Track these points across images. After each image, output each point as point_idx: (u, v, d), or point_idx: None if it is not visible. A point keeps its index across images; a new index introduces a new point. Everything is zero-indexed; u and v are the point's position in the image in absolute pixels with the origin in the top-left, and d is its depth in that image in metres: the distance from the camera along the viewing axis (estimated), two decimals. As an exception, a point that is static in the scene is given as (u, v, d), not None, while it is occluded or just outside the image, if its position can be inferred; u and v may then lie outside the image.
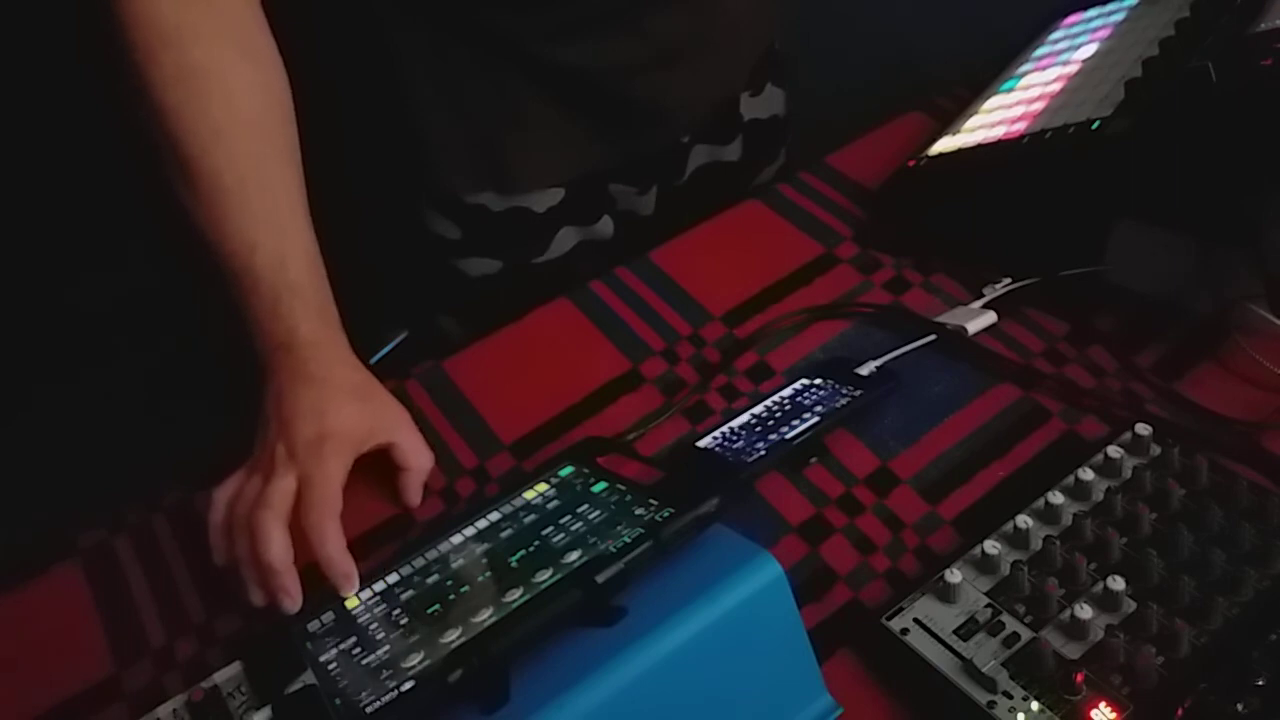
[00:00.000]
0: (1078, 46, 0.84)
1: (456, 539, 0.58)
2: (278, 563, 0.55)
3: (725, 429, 0.66)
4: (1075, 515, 0.56)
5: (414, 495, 0.66)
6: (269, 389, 0.62)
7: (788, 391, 0.68)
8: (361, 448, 0.62)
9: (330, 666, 0.50)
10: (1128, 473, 0.58)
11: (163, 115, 0.62)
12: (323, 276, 0.65)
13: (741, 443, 0.64)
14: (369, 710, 0.45)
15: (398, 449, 0.64)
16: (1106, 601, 0.51)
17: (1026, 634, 0.51)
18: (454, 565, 0.56)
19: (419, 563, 0.57)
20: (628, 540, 0.49)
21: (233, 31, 0.65)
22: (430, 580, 0.55)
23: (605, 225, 0.93)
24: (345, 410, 0.61)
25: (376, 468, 0.65)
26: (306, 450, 0.59)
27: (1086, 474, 0.58)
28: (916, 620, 0.53)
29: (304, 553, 0.57)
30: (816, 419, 0.64)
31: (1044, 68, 0.84)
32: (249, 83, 0.65)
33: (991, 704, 0.49)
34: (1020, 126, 0.75)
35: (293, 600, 0.56)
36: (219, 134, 0.62)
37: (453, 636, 0.48)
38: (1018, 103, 0.80)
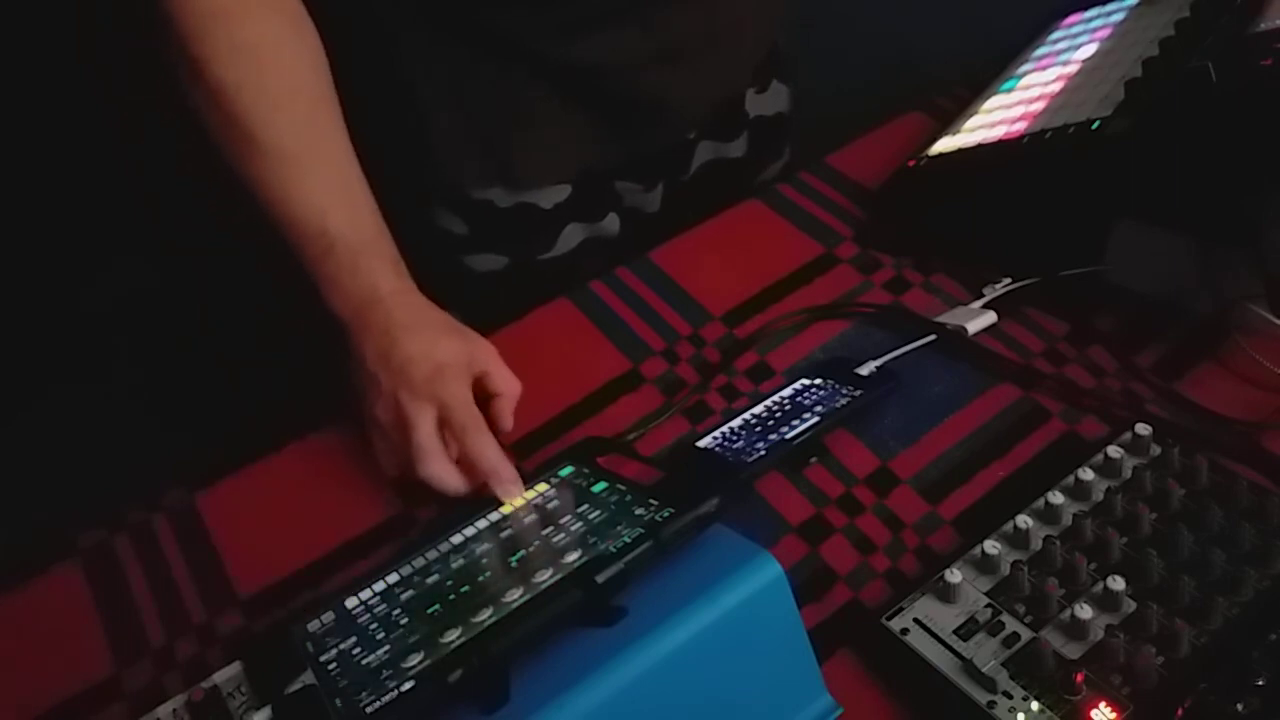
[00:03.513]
0: (1078, 46, 0.84)
1: (456, 539, 0.58)
2: (469, 489, 0.62)
3: (725, 429, 0.66)
4: (1075, 515, 0.56)
5: (507, 420, 0.67)
6: (367, 347, 0.64)
7: (788, 391, 0.68)
8: (470, 375, 0.65)
9: (330, 666, 0.50)
10: (1128, 473, 0.58)
11: (221, 92, 0.63)
12: (388, 233, 0.68)
13: (741, 443, 0.64)
14: (369, 710, 0.45)
15: (490, 376, 0.66)
16: (1106, 601, 0.51)
17: (1026, 634, 0.51)
18: (454, 565, 0.56)
19: (419, 563, 0.57)
20: (628, 540, 0.49)
21: (277, 2, 0.66)
22: (430, 580, 0.55)
23: (611, 222, 0.93)
24: (446, 343, 0.64)
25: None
26: (428, 384, 0.62)
27: (1086, 474, 0.58)
28: (916, 620, 0.53)
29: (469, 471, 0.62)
30: (816, 419, 0.64)
31: (1044, 68, 0.84)
32: (298, 52, 0.66)
33: (991, 704, 0.49)
34: (1020, 126, 0.75)
35: (516, 489, 0.61)
36: (278, 106, 0.64)
37: (453, 636, 0.48)
38: (1018, 103, 0.80)
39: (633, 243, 0.86)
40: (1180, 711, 0.46)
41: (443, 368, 0.63)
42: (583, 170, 0.88)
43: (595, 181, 0.90)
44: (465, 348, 0.65)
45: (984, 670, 0.49)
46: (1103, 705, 0.47)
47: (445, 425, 0.62)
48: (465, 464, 0.62)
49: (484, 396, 0.67)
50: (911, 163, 0.80)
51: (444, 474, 0.62)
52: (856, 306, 0.75)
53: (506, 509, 0.60)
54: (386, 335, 0.63)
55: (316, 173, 0.65)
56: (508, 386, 0.67)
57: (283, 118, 0.64)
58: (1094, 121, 0.68)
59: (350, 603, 0.55)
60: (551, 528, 0.55)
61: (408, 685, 0.45)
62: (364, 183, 0.67)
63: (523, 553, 0.54)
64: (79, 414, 1.63)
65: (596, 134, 0.86)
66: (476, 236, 0.88)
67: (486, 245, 0.89)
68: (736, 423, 0.67)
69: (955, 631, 0.52)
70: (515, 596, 0.49)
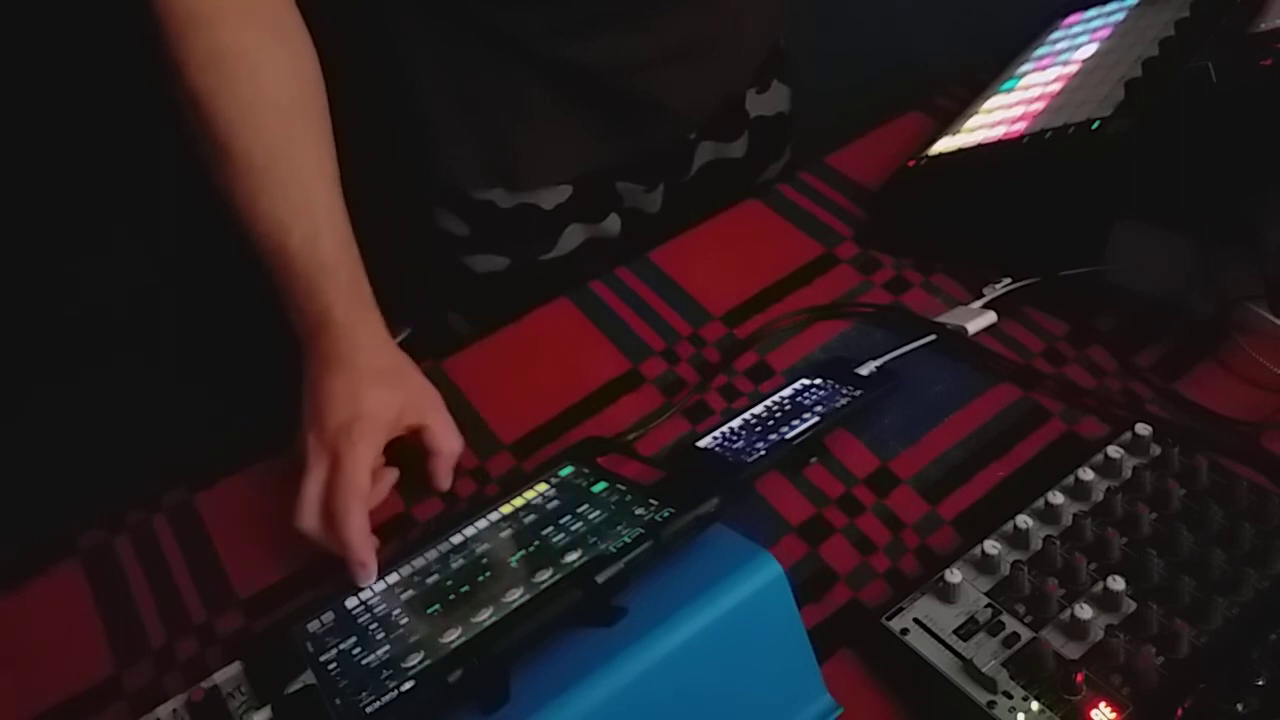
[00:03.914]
0: (1078, 46, 0.84)
1: (456, 539, 0.58)
2: (334, 549, 0.58)
3: (725, 429, 0.66)
4: (1075, 515, 0.56)
5: (444, 479, 0.66)
6: (305, 375, 0.63)
7: (788, 391, 0.68)
8: (392, 431, 0.62)
9: (330, 666, 0.50)
10: (1128, 473, 0.58)
11: (194, 98, 0.62)
12: (355, 256, 0.65)
13: (741, 443, 0.64)
14: (369, 710, 0.45)
15: (428, 432, 0.64)
16: (1106, 601, 0.51)
17: (1026, 634, 0.51)
18: (454, 565, 0.56)
19: (419, 563, 0.57)
20: (628, 540, 0.49)
21: (262, 12, 0.65)
22: (430, 580, 0.55)
23: (612, 223, 0.93)
24: (375, 394, 0.61)
25: (409, 452, 0.65)
26: (336, 435, 0.59)
27: (1086, 474, 0.58)
28: (916, 620, 0.53)
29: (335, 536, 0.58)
30: (816, 419, 0.64)
31: (1044, 68, 0.84)
32: (279, 63, 0.65)
33: (991, 704, 0.49)
34: (1020, 126, 0.75)
35: (366, 574, 0.57)
36: (248, 115, 0.63)
37: (453, 636, 0.48)
38: (1018, 103, 0.80)
39: (634, 243, 0.86)
40: (1180, 711, 0.46)
41: (357, 420, 0.59)
42: (583, 171, 0.88)
43: (596, 182, 0.90)
44: (394, 400, 0.62)
45: (984, 670, 0.49)
46: (1103, 705, 0.47)
47: (327, 482, 0.59)
48: (329, 525, 0.59)
49: (422, 451, 0.65)
50: (911, 163, 0.80)
51: (311, 533, 0.59)
52: (856, 306, 0.75)
53: (506, 509, 0.60)
54: (322, 365, 0.62)
55: (281, 188, 0.63)
56: (445, 445, 0.65)
57: (251, 129, 0.63)
58: (1094, 121, 0.68)
59: (350, 603, 0.55)
60: (551, 528, 0.55)
61: (408, 685, 0.45)
62: (332, 201, 0.65)
63: (523, 553, 0.54)
64: (78, 413, 1.63)
65: (597, 134, 0.86)
66: (477, 237, 0.88)
67: (487, 246, 0.89)
68: (736, 423, 0.67)
69: (955, 631, 0.52)
70: (515, 596, 0.49)
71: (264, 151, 0.63)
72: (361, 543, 0.57)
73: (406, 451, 0.65)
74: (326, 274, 0.63)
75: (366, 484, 0.59)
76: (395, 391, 0.63)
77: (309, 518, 0.59)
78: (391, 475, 0.66)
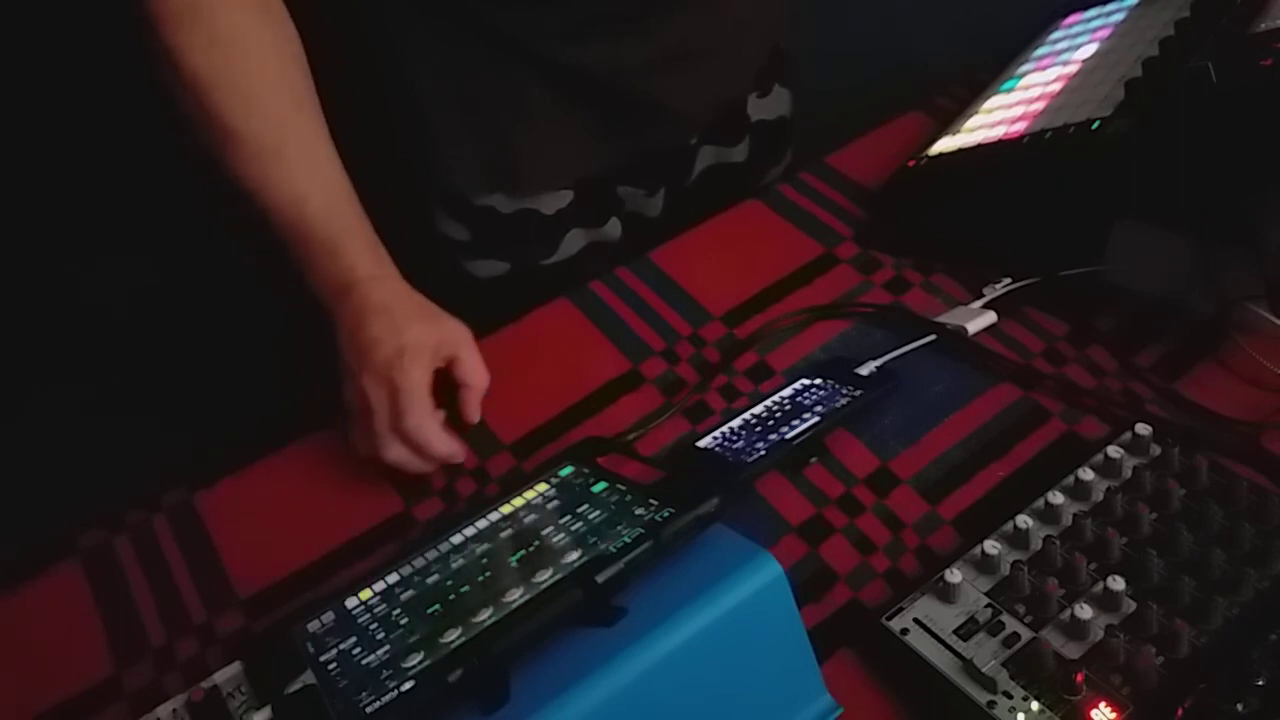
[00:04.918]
0: (1078, 46, 0.84)
1: (456, 539, 0.58)
2: (431, 468, 0.66)
3: (725, 429, 0.67)
4: (1075, 515, 0.56)
5: (474, 412, 0.68)
6: (341, 332, 0.65)
7: (788, 391, 0.68)
8: (436, 359, 0.65)
9: (330, 666, 0.50)
10: (1128, 473, 0.58)
11: (197, 85, 0.64)
12: (366, 218, 0.68)
13: (741, 443, 0.64)
14: (369, 710, 0.45)
15: (460, 364, 0.67)
16: (1106, 601, 0.51)
17: (1026, 634, 0.51)
18: (454, 565, 0.56)
19: (419, 563, 0.57)
20: (628, 540, 0.49)
21: None
22: (430, 580, 0.55)
23: (613, 227, 0.93)
24: (415, 326, 0.65)
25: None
26: (387, 366, 0.63)
27: (1086, 474, 0.58)
28: (916, 620, 0.53)
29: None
30: (816, 419, 0.64)
31: (1044, 68, 0.84)
32: (273, 44, 0.67)
33: (991, 704, 0.49)
34: (1020, 126, 0.75)
35: (459, 458, 0.66)
36: (254, 98, 0.65)
37: (453, 636, 0.48)
38: (1018, 103, 0.80)
39: (634, 248, 0.86)
40: (1180, 711, 0.46)
41: (403, 350, 0.63)
42: (584, 173, 0.88)
43: (597, 187, 0.90)
44: (433, 331, 0.66)
45: (984, 670, 0.49)
46: (1103, 705, 0.47)
47: (393, 409, 0.63)
48: (413, 445, 0.64)
49: (453, 384, 0.67)
50: (911, 163, 0.80)
51: (401, 461, 0.64)
52: (856, 306, 0.75)
53: (506, 509, 0.60)
54: (358, 317, 0.64)
55: (293, 162, 0.66)
56: (475, 378, 0.67)
57: (259, 109, 0.65)
58: (1094, 121, 0.68)
59: (350, 603, 0.55)
60: (551, 528, 0.55)
61: (408, 685, 0.45)
62: (341, 171, 0.68)
63: (523, 553, 0.54)
64: (78, 413, 1.63)
65: (597, 135, 0.86)
66: (478, 242, 0.88)
67: (488, 251, 0.89)
68: (736, 423, 0.67)
69: (955, 631, 0.52)
70: (515, 596, 0.49)
71: (272, 132, 0.65)
72: (448, 444, 0.65)
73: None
74: (347, 237, 0.66)
75: (429, 399, 0.63)
76: (432, 324, 0.66)
77: (393, 449, 0.63)
78: (439, 415, 0.68)
